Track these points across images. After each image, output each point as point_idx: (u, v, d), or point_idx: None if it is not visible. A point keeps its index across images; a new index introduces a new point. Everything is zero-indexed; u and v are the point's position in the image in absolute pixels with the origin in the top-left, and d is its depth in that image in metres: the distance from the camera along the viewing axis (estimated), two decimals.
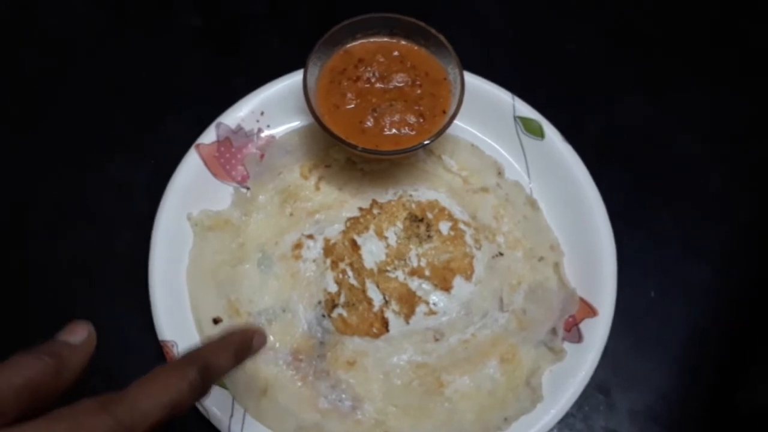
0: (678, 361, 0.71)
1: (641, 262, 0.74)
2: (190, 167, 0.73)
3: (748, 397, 0.68)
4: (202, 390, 0.44)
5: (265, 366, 0.67)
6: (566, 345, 0.67)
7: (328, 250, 0.72)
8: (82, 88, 0.85)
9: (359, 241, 0.72)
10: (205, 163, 0.74)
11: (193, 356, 0.46)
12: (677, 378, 0.70)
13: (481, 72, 0.78)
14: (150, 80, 0.85)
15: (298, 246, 0.72)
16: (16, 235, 0.76)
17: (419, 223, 0.73)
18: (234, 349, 0.50)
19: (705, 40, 0.90)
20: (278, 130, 0.78)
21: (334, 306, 0.69)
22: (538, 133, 0.75)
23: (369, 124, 0.70)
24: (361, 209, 0.74)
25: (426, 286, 0.70)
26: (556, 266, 0.71)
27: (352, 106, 0.70)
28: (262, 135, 0.77)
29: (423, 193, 0.75)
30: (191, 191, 0.73)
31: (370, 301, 0.69)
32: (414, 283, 0.70)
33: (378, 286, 0.70)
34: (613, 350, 0.68)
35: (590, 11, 0.92)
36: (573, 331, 0.68)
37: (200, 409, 0.63)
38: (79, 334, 0.43)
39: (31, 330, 0.71)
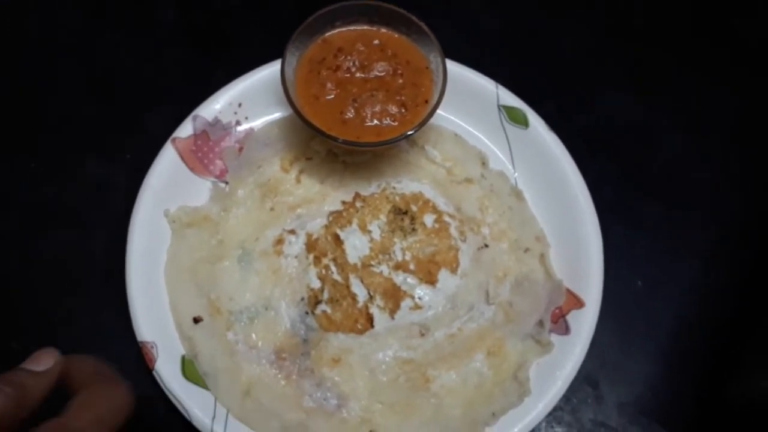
0: (666, 352, 0.70)
1: (627, 254, 0.73)
2: (167, 162, 0.71)
3: (737, 388, 0.67)
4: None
5: (247, 365, 0.65)
6: (553, 337, 0.66)
7: (311, 245, 0.70)
8: (57, 87, 0.82)
9: (342, 235, 0.70)
10: (182, 158, 0.72)
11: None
12: (665, 369, 0.70)
13: (465, 62, 0.76)
14: (126, 76, 0.83)
15: (279, 242, 0.70)
16: None
17: (403, 215, 0.71)
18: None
19: (695, 37, 0.89)
20: (257, 123, 0.76)
21: (318, 302, 0.68)
22: (522, 121, 0.74)
23: (350, 115, 0.68)
24: (343, 202, 0.72)
25: (411, 280, 0.69)
26: (542, 257, 0.70)
27: (332, 96, 0.69)
28: (240, 127, 0.75)
29: (406, 185, 0.73)
30: (168, 187, 0.71)
31: (354, 297, 0.68)
32: (399, 278, 0.69)
33: (362, 281, 0.68)
34: (600, 342, 0.67)
35: (579, 5, 0.90)
36: (560, 323, 0.67)
37: (181, 410, 0.62)
38: (43, 362, 0.44)
39: (9, 333, 0.69)
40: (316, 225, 0.71)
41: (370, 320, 0.67)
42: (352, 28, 0.72)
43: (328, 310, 0.67)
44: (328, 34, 0.71)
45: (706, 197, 0.78)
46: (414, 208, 0.72)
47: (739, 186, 0.79)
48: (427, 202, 0.72)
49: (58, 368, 0.44)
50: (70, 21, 0.86)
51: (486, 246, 0.71)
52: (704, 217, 0.77)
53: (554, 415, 0.66)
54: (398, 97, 0.69)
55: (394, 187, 0.73)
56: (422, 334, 0.67)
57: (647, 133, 0.81)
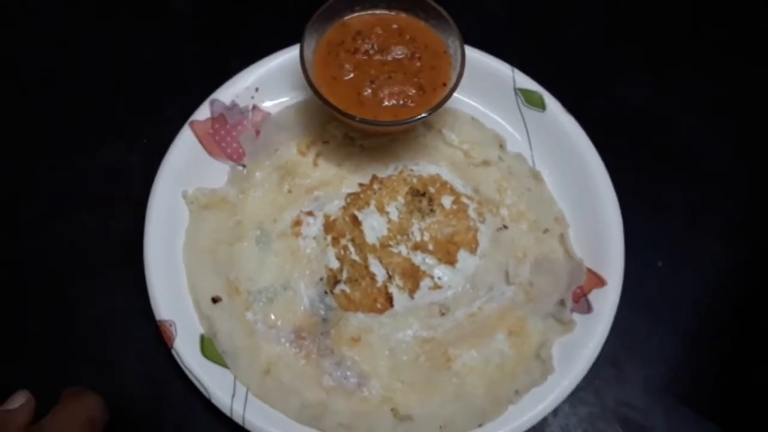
0: (688, 332, 0.70)
1: (646, 236, 0.73)
2: (185, 145, 0.71)
3: (760, 367, 0.66)
4: None
5: (266, 345, 0.65)
6: (575, 316, 0.66)
7: (329, 226, 0.70)
8: (75, 72, 0.82)
9: (360, 216, 0.70)
10: (200, 141, 0.72)
11: None
12: (688, 349, 0.69)
13: (481, 47, 0.76)
14: (143, 61, 0.83)
15: (297, 223, 0.70)
16: (12, 223, 0.74)
17: (421, 197, 0.71)
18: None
19: (710, 19, 0.90)
20: (274, 107, 0.76)
21: (337, 282, 0.67)
22: (539, 104, 0.74)
23: (367, 93, 0.68)
24: (361, 185, 0.72)
25: (430, 260, 0.68)
26: (562, 238, 0.70)
27: (350, 77, 0.69)
28: (258, 111, 0.75)
29: (424, 167, 0.73)
30: (186, 169, 0.71)
31: (373, 277, 0.67)
32: (417, 258, 0.68)
33: (381, 262, 0.68)
34: (622, 324, 0.66)
35: None
36: (581, 302, 0.66)
37: (200, 388, 0.61)
38: (17, 401, 0.52)
39: (29, 316, 0.68)
40: (334, 207, 0.71)
41: (389, 300, 0.67)
42: (371, 12, 0.72)
43: (347, 290, 0.67)
44: (347, 17, 0.72)
45: (724, 178, 0.78)
46: (432, 189, 0.72)
47: (757, 166, 0.79)
48: (444, 183, 0.72)
49: (30, 404, 0.52)
50: (88, 7, 0.87)
51: (505, 227, 0.71)
52: (722, 198, 0.77)
53: (578, 396, 0.66)
54: (416, 80, 0.69)
55: (411, 170, 0.73)
56: (442, 314, 0.67)
57: (664, 116, 0.82)
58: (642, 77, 0.84)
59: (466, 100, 0.76)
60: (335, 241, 0.69)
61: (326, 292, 0.67)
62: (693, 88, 0.84)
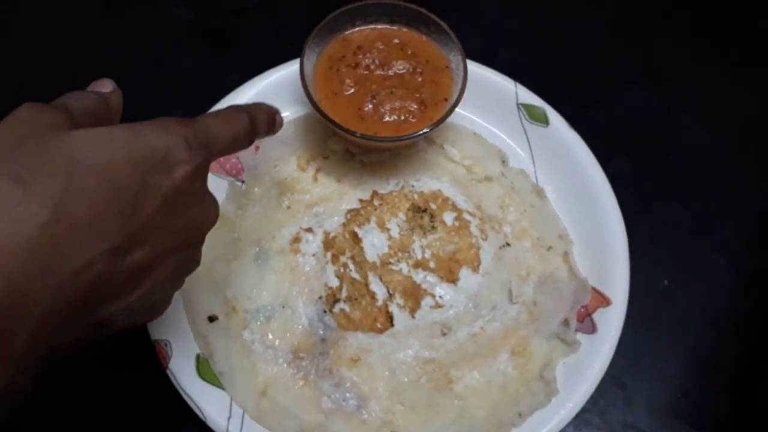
0: (695, 352, 0.68)
1: (652, 251, 0.71)
2: None
3: None
4: (251, 137, 0.51)
5: (264, 365, 0.63)
6: (580, 336, 0.64)
7: (328, 243, 0.69)
8: (68, 87, 0.81)
9: (360, 233, 0.69)
10: None
11: (240, 107, 0.52)
12: (695, 370, 0.67)
13: (483, 61, 0.76)
14: (141, 77, 0.82)
15: (296, 240, 0.69)
16: None
17: (422, 213, 0.70)
18: (266, 116, 0.55)
19: (713, 30, 0.89)
20: None
21: (336, 301, 0.66)
22: (542, 119, 0.73)
23: (368, 109, 0.67)
24: (361, 201, 0.71)
25: (431, 278, 0.67)
26: (566, 255, 0.68)
27: (351, 92, 0.68)
28: None
29: (425, 183, 0.72)
30: None
31: (373, 295, 0.66)
32: (419, 276, 0.67)
33: (381, 280, 0.67)
34: (627, 342, 0.65)
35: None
36: (586, 322, 0.65)
37: (196, 410, 0.60)
38: (107, 86, 0.48)
39: None
40: (334, 223, 0.70)
41: (389, 319, 0.65)
42: (372, 27, 0.72)
43: (347, 309, 0.65)
44: (348, 32, 0.71)
45: (731, 193, 0.77)
46: (433, 206, 0.71)
47: (764, 179, 0.78)
48: (446, 200, 0.71)
49: (119, 93, 0.48)
50: (81, 19, 0.86)
51: (508, 244, 0.69)
52: (728, 213, 0.75)
53: (582, 418, 0.64)
54: (417, 95, 0.68)
55: (412, 186, 0.72)
56: (444, 334, 0.65)
57: (667, 130, 0.81)
58: (645, 90, 0.83)
59: (468, 115, 0.75)
60: (335, 258, 0.68)
61: (325, 311, 0.66)
62: (697, 101, 0.83)
